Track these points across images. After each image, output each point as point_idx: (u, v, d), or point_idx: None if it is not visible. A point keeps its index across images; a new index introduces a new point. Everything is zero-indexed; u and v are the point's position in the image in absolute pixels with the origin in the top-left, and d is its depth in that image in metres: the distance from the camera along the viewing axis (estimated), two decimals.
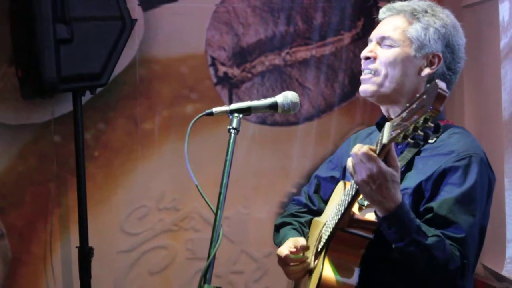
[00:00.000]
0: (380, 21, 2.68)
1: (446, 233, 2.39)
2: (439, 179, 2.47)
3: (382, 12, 2.67)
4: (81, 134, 4.27)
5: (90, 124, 4.47)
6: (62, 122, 4.43)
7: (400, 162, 2.44)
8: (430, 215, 2.42)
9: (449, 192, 2.44)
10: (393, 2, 2.68)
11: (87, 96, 4.35)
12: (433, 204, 2.43)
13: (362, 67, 2.63)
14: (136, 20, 4.32)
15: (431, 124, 2.04)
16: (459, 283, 2.44)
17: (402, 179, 2.43)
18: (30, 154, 4.46)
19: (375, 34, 2.63)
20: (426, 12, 2.60)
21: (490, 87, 3.95)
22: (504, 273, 3.81)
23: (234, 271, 4.62)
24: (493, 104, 3.89)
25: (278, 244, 2.84)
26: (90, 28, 4.10)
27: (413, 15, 2.59)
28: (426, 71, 2.58)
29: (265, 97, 2.65)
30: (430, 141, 2.15)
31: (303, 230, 2.85)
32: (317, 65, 4.66)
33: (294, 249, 2.65)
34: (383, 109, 2.68)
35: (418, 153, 2.41)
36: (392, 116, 2.62)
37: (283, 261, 2.67)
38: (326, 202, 2.86)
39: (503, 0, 3.84)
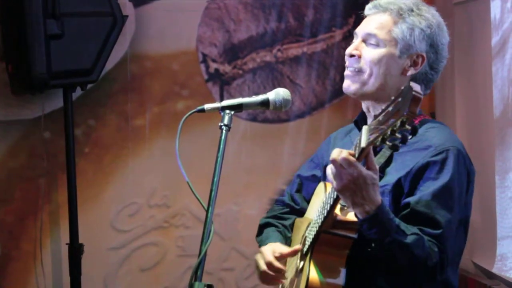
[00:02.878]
0: (365, 16, 2.69)
1: (424, 230, 2.41)
2: (417, 175, 2.49)
3: (368, 8, 2.66)
4: (72, 130, 4.26)
5: (80, 120, 4.45)
6: (53, 118, 4.42)
7: (379, 160, 2.48)
8: (407, 211, 2.45)
9: (427, 187, 2.46)
10: None
11: (78, 92, 4.33)
12: (411, 200, 2.45)
13: (347, 64, 2.64)
14: (127, 16, 4.31)
15: (408, 127, 2.05)
16: (439, 278, 2.46)
17: (382, 176, 2.45)
18: (20, 150, 4.44)
19: (360, 31, 2.63)
20: (412, 11, 2.59)
21: (481, 85, 3.96)
22: (495, 270, 3.81)
23: (225, 268, 4.62)
24: (484, 101, 3.90)
25: (259, 242, 2.84)
26: (80, 23, 4.09)
27: (399, 14, 2.58)
28: (410, 71, 2.59)
29: (256, 94, 2.64)
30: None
31: (287, 234, 2.85)
32: (309, 62, 4.66)
33: (278, 255, 2.64)
34: (363, 105, 2.69)
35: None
36: (372, 113, 2.64)
37: (263, 260, 2.65)
38: (308, 201, 2.86)
39: None
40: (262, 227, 2.92)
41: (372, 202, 2.31)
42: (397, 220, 2.38)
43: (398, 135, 2.06)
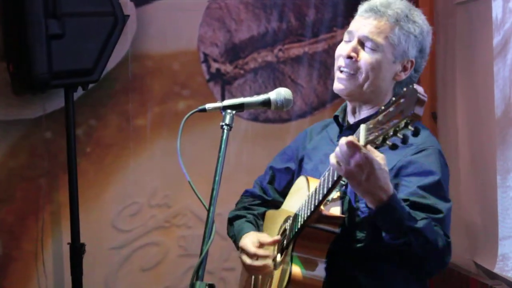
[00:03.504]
0: (357, 15, 2.70)
1: (427, 215, 2.44)
2: (399, 172, 2.53)
3: (365, 10, 2.67)
4: (73, 130, 4.26)
5: (81, 120, 4.45)
6: (54, 118, 4.42)
7: None
8: (405, 204, 2.45)
9: (414, 182, 2.50)
10: None
11: (79, 92, 4.33)
12: (403, 196, 2.46)
13: (341, 64, 2.65)
14: (128, 16, 4.31)
15: (411, 128, 2.05)
16: (447, 261, 2.49)
17: None
18: (21, 150, 4.44)
19: (357, 32, 2.65)
20: (407, 17, 2.64)
21: (483, 85, 3.95)
22: (496, 270, 3.81)
23: (226, 268, 4.61)
24: (485, 101, 3.89)
25: (233, 237, 2.88)
26: (82, 23, 4.09)
27: (396, 21, 2.62)
28: (401, 76, 2.65)
29: (257, 93, 2.65)
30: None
31: (257, 222, 2.89)
32: (310, 62, 4.66)
33: (258, 244, 2.68)
34: (350, 105, 2.72)
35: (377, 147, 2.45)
36: (357, 112, 2.69)
37: (248, 255, 2.68)
38: (280, 193, 2.92)
39: None
40: (231, 221, 2.95)
41: (383, 189, 2.31)
42: (406, 207, 2.39)
43: (400, 136, 2.07)
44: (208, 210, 2.38)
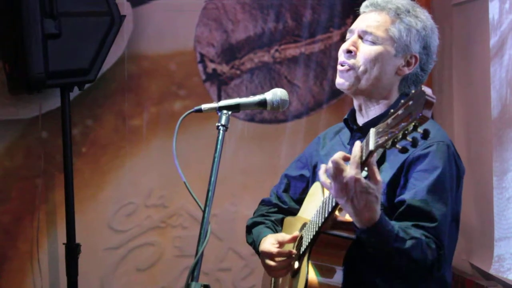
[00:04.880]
0: (360, 13, 2.71)
1: (421, 224, 2.42)
2: (408, 168, 2.50)
3: (365, 6, 2.69)
4: (69, 130, 4.25)
5: (78, 120, 4.45)
6: (50, 118, 4.41)
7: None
8: (403, 207, 2.45)
9: (420, 180, 2.48)
10: None
11: (75, 92, 4.33)
12: (406, 197, 2.45)
13: (341, 59, 2.65)
14: (124, 16, 4.31)
15: (420, 130, 2.03)
16: (436, 274, 2.48)
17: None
18: (17, 150, 4.44)
19: (357, 27, 2.65)
20: (408, 12, 2.63)
21: (479, 86, 3.95)
22: (492, 271, 3.81)
23: (222, 269, 4.61)
24: (482, 102, 3.90)
25: (252, 243, 2.86)
26: (78, 23, 4.09)
27: (397, 14, 2.62)
28: (404, 70, 2.63)
29: (253, 94, 2.64)
30: None
31: (276, 228, 2.87)
32: (306, 62, 4.66)
33: (277, 244, 2.66)
34: (355, 102, 2.71)
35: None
36: (364, 111, 2.67)
37: (269, 256, 2.66)
38: (296, 200, 2.89)
39: None
40: (249, 228, 2.93)
41: (367, 214, 2.29)
42: (396, 228, 2.36)
43: (409, 139, 2.05)
44: (204, 211, 2.37)
